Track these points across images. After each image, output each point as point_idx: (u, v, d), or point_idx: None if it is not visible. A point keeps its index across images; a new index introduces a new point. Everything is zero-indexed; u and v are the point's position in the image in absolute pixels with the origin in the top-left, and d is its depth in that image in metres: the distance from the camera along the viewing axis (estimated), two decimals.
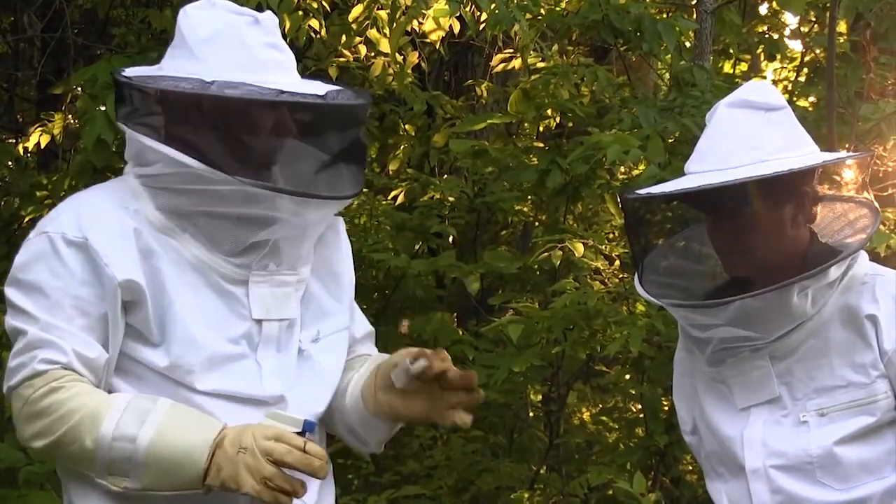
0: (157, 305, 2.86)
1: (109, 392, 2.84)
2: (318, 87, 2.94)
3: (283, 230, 2.92)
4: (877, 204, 3.29)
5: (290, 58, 2.98)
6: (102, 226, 2.85)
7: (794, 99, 6.59)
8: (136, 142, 2.90)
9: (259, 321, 2.95)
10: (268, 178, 2.91)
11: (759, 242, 3.10)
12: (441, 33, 6.43)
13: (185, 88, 2.83)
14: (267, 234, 2.92)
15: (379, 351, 3.22)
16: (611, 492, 6.05)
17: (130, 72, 2.97)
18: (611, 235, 6.89)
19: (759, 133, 3.10)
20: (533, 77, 6.64)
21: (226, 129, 2.87)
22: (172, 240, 2.89)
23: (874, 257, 3.37)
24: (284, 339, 2.99)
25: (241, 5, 2.99)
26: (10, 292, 2.87)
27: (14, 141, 7.70)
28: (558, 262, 5.99)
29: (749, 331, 3.10)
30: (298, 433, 2.73)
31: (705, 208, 3.20)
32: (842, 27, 5.94)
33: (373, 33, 6.34)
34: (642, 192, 3.23)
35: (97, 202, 2.92)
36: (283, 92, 2.84)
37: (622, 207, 3.37)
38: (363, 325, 3.25)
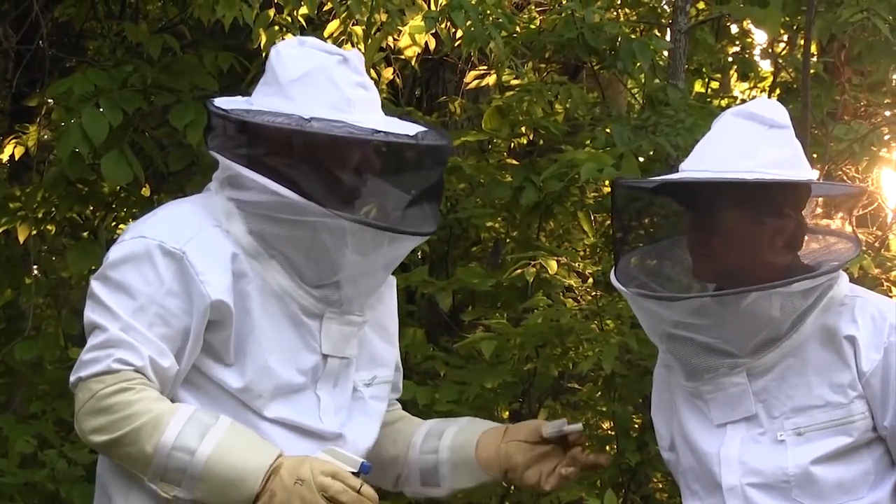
0: (239, 328, 2.93)
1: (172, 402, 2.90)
2: (405, 126, 3.04)
3: (361, 267, 3.00)
4: (860, 235, 3.34)
5: (375, 96, 3.07)
6: (201, 243, 2.92)
7: None
8: (231, 168, 2.97)
9: (326, 356, 3.02)
10: (357, 212, 3.01)
11: (728, 248, 3.14)
12: (416, 50, 6.43)
13: (285, 125, 2.92)
14: (348, 271, 2.99)
15: None
16: None
17: (225, 104, 3.04)
18: (582, 253, 6.88)
19: (756, 145, 3.14)
20: (507, 94, 6.65)
21: (320, 164, 2.96)
22: (260, 265, 2.96)
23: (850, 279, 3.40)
24: (342, 376, 3.07)
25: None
26: (97, 287, 2.93)
27: None
28: (531, 279, 5.98)
29: (713, 338, 3.12)
30: (354, 473, 2.78)
31: (685, 203, 3.24)
32: (812, 48, 5.95)
33: (348, 49, 6.32)
34: (631, 180, 3.28)
35: (196, 217, 2.99)
36: (377, 132, 2.93)
37: (612, 195, 3.42)
38: (399, 383, 3.35)
